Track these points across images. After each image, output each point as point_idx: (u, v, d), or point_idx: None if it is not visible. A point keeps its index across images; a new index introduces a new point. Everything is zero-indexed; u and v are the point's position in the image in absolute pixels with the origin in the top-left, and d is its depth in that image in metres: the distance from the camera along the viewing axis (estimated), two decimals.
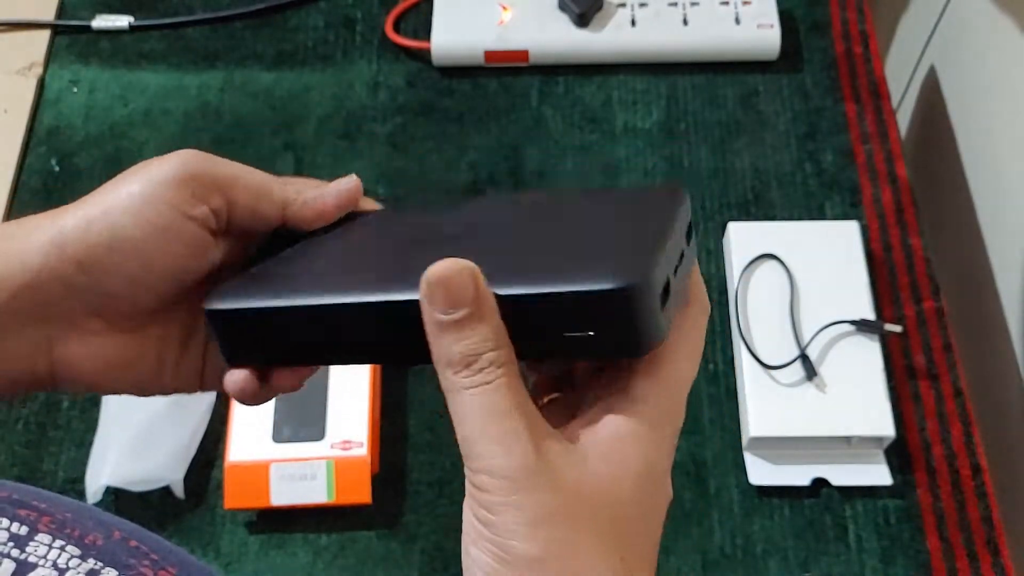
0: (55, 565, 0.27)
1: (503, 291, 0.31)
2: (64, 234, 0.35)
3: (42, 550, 0.28)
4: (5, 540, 0.27)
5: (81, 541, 0.29)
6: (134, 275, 0.35)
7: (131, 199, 0.35)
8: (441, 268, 0.31)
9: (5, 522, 0.28)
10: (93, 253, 0.35)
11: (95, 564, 0.28)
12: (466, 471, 0.31)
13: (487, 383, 0.30)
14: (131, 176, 0.36)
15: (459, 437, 0.31)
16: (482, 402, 0.30)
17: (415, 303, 0.32)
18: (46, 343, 0.36)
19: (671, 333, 0.32)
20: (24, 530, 0.28)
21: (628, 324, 0.30)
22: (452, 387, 0.31)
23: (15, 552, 0.27)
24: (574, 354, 0.31)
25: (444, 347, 0.31)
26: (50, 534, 0.28)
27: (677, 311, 0.33)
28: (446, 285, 0.31)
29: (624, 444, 0.31)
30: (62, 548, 0.28)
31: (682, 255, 0.32)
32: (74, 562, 0.28)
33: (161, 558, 0.30)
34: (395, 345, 0.34)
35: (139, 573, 0.28)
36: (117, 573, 0.28)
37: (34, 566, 0.27)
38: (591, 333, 0.30)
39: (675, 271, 0.32)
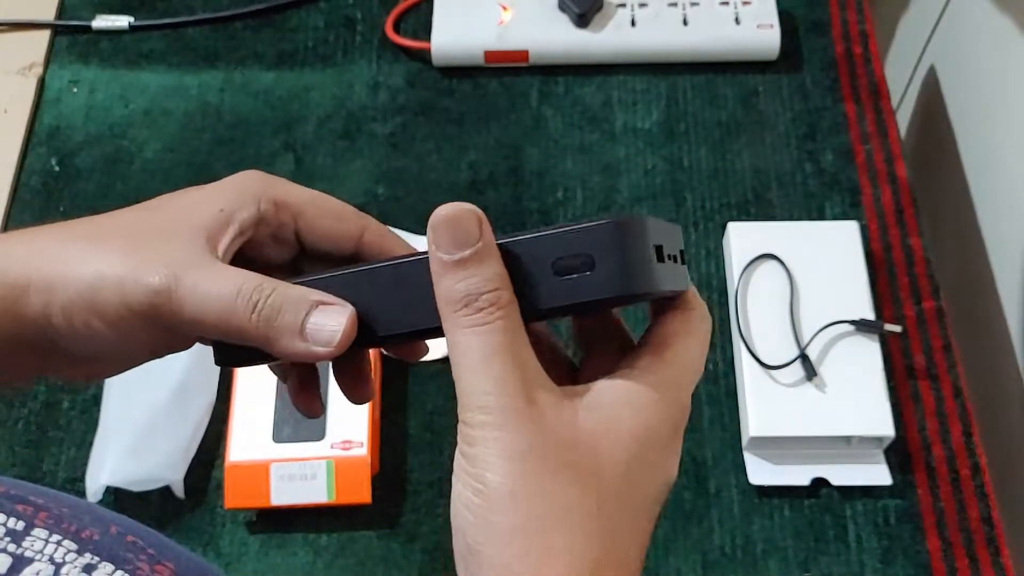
0: (51, 559, 0.27)
1: (504, 240, 0.33)
2: (50, 318, 0.35)
3: (39, 544, 0.28)
4: (2, 535, 0.27)
5: (78, 536, 0.29)
6: (120, 358, 0.38)
7: (106, 315, 0.35)
8: (447, 209, 0.32)
9: (2, 517, 0.28)
10: (78, 342, 0.36)
11: (92, 559, 0.28)
12: (459, 411, 0.31)
13: (486, 323, 0.31)
14: (109, 293, 0.35)
15: (455, 376, 0.32)
16: (479, 341, 0.31)
17: (409, 263, 0.33)
18: (40, 368, 0.38)
19: (676, 325, 0.34)
20: (21, 525, 0.28)
21: (623, 257, 0.31)
22: (452, 326, 0.32)
23: (11, 547, 0.27)
24: (572, 302, 0.32)
25: (446, 287, 0.32)
26: (47, 529, 0.28)
27: (674, 311, 0.35)
28: (452, 225, 0.31)
29: (620, 406, 0.32)
30: (58, 543, 0.28)
31: (675, 258, 0.34)
32: (71, 556, 0.28)
33: (158, 553, 0.30)
34: (389, 312, 0.35)
35: (136, 567, 0.28)
36: (113, 567, 0.28)
37: (31, 560, 0.27)
38: (587, 273, 0.32)
39: (665, 257, 0.33)
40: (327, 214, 0.39)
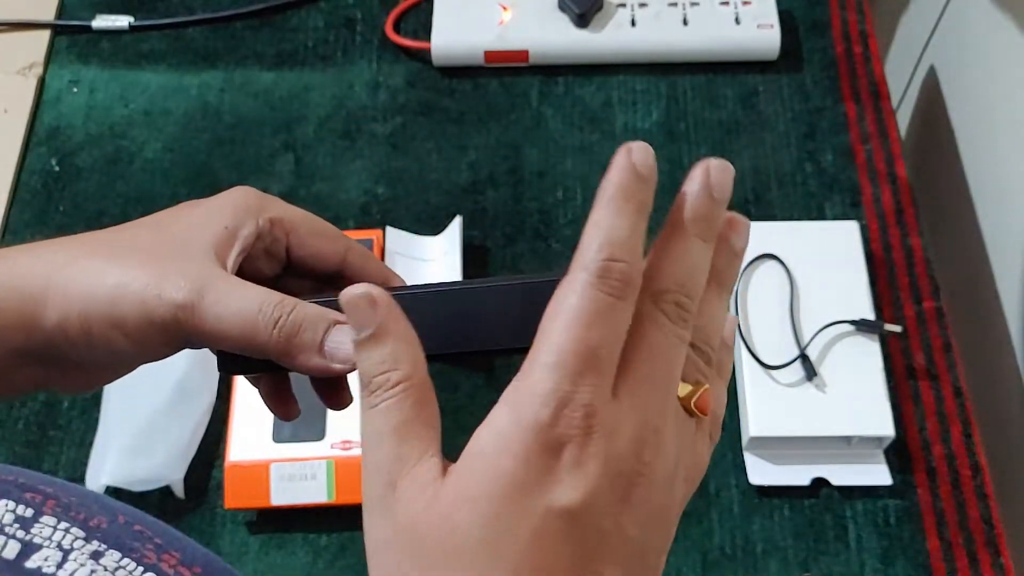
0: (59, 546, 0.28)
1: (474, 284, 0.35)
2: (66, 329, 0.36)
3: (47, 531, 0.28)
4: (11, 521, 0.28)
5: (86, 524, 0.29)
6: (128, 365, 0.39)
7: (126, 327, 0.36)
8: (347, 291, 0.32)
9: (11, 504, 0.28)
10: (93, 352, 0.37)
11: (99, 546, 0.28)
12: None
13: (372, 406, 0.31)
14: (129, 305, 0.36)
15: None
16: (366, 425, 0.31)
17: (416, 294, 0.36)
18: (43, 379, 0.39)
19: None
20: (29, 512, 0.28)
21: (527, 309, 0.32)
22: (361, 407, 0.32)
23: (20, 533, 0.27)
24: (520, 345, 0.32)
25: (358, 368, 0.32)
26: (55, 516, 0.29)
27: None
28: (350, 310, 0.32)
29: (468, 461, 0.30)
30: (67, 530, 0.28)
31: None
32: (78, 543, 0.28)
33: (165, 543, 0.30)
34: None
35: (142, 555, 0.29)
36: (120, 555, 0.28)
37: (39, 547, 0.27)
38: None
39: None
40: (317, 232, 0.41)
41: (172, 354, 0.39)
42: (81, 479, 0.65)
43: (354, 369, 0.36)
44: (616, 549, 0.30)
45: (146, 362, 0.39)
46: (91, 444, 0.66)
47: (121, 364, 0.39)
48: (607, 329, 0.29)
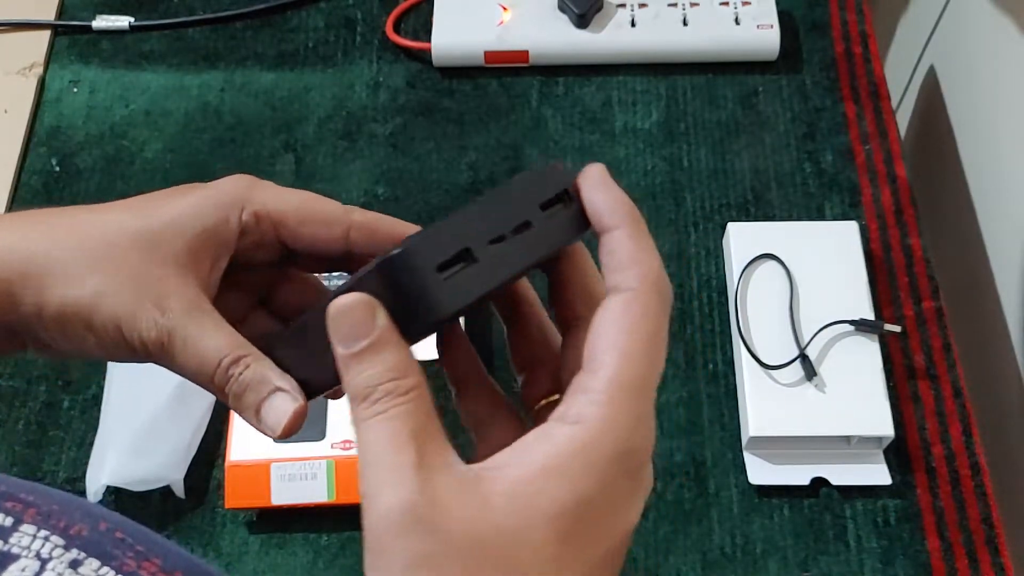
0: (38, 555, 0.27)
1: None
2: (43, 319, 0.37)
3: (26, 540, 0.28)
4: None
5: (66, 532, 0.29)
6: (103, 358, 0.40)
7: (98, 336, 0.37)
8: (340, 301, 0.31)
9: None
10: (67, 342, 0.38)
11: (78, 554, 0.28)
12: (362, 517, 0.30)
13: (381, 412, 0.30)
14: (104, 318, 0.37)
15: (358, 474, 0.30)
16: (374, 433, 0.30)
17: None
18: (9, 352, 0.39)
19: (601, 333, 0.30)
20: (9, 521, 0.28)
21: (402, 290, 0.30)
22: (354, 419, 0.31)
23: None
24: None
25: (348, 380, 0.31)
26: (35, 525, 0.28)
27: (599, 311, 0.31)
28: (346, 317, 0.31)
29: (539, 477, 0.29)
30: (46, 539, 0.28)
31: (528, 223, 0.31)
32: (57, 552, 0.28)
33: (146, 549, 0.30)
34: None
35: (122, 563, 0.28)
36: (100, 563, 0.28)
37: (17, 556, 0.27)
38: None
39: (501, 236, 0.31)
40: (310, 220, 0.39)
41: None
42: (81, 479, 0.65)
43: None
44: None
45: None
46: (91, 444, 0.66)
47: (93, 356, 0.40)
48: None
